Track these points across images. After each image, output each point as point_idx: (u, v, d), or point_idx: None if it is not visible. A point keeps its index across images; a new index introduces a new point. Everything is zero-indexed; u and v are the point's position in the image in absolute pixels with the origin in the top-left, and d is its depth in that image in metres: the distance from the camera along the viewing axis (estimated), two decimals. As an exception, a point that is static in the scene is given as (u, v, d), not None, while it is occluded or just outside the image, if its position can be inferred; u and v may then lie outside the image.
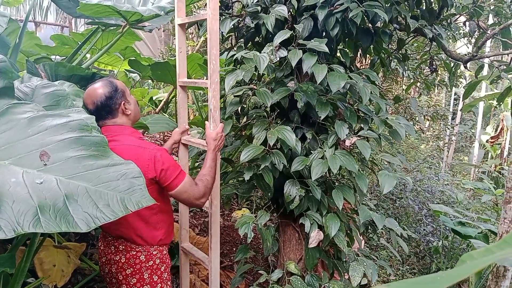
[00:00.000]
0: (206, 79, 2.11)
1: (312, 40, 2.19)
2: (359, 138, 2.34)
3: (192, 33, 7.15)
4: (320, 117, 2.23)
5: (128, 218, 1.89)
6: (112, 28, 3.09)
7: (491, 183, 7.59)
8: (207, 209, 2.23)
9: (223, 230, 4.00)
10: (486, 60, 3.55)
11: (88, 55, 3.73)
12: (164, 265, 2.03)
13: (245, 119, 2.66)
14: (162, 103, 4.81)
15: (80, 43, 3.07)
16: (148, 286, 1.95)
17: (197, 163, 3.98)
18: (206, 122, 2.14)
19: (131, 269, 1.93)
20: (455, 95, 14.11)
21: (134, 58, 3.70)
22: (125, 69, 4.21)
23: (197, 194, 1.91)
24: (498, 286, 4.60)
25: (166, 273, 2.04)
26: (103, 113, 1.89)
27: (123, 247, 1.94)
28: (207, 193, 1.97)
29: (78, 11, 2.53)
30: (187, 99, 2.41)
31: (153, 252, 1.97)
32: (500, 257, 0.49)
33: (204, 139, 2.17)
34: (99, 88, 1.88)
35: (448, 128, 9.76)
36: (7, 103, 1.21)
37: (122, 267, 1.93)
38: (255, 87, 2.33)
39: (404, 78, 6.87)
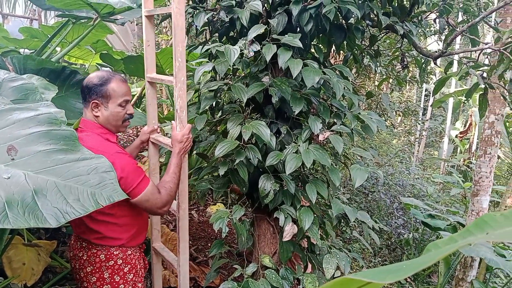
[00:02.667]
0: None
1: (286, 35, 2.20)
2: (332, 132, 2.37)
3: (166, 26, 7.06)
4: (295, 112, 2.25)
5: (87, 223, 1.85)
6: (83, 20, 3.02)
7: (459, 177, 7.82)
8: (175, 213, 2.19)
9: (198, 225, 3.99)
10: (456, 57, 3.65)
11: (58, 49, 3.65)
12: (129, 266, 1.95)
13: (219, 114, 2.65)
14: (135, 97, 4.73)
15: (50, 36, 2.99)
16: (109, 286, 1.90)
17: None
18: (172, 122, 2.05)
19: (91, 267, 1.90)
20: (425, 91, 14.45)
21: (106, 51, 3.63)
22: (96, 63, 4.13)
23: (159, 203, 1.86)
24: (466, 275, 4.77)
25: (132, 275, 1.97)
26: (82, 95, 1.88)
27: (86, 244, 1.91)
28: (170, 201, 1.92)
29: (48, 3, 2.46)
30: (156, 96, 2.35)
31: (114, 252, 1.91)
32: (463, 245, 0.51)
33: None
34: (94, 75, 1.88)
35: (419, 124, 10.00)
36: (-29, 96, 1.17)
37: (83, 264, 1.91)
38: (230, 81, 2.33)
39: (377, 74, 6.98)
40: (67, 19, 2.95)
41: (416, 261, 0.50)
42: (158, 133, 2.32)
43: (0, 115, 1.04)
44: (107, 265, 1.90)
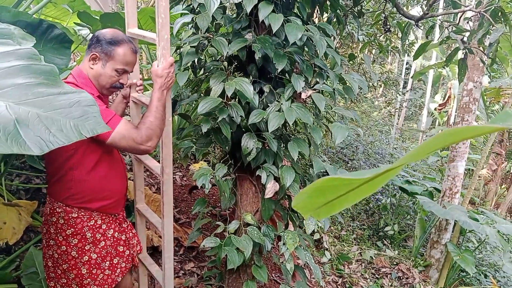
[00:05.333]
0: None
1: (269, -10, 2.17)
2: (314, 91, 2.38)
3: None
4: (277, 70, 2.24)
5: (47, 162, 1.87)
6: (59, -25, 2.91)
7: (437, 147, 8.00)
8: (158, 177, 2.13)
9: (181, 189, 4.01)
10: (438, 23, 3.67)
11: (32, 6, 3.51)
12: (72, 229, 1.82)
13: (202, 72, 2.63)
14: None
15: (24, -9, 2.88)
16: (54, 241, 1.85)
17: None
18: (154, 62, 1.91)
19: (43, 218, 1.91)
20: (406, 64, 14.53)
21: (83, 10, 3.52)
22: (74, 23, 4.00)
23: (139, 138, 1.72)
24: (440, 238, 4.95)
25: (77, 241, 1.84)
26: (89, 43, 1.83)
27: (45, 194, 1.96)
28: (154, 136, 1.77)
29: (21, -47, 2.36)
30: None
31: (57, 209, 1.82)
32: (426, 145, 0.52)
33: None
34: (110, 32, 1.84)
35: (399, 94, 10.12)
36: None
37: (42, 214, 1.99)
38: (211, 35, 2.30)
39: (359, 44, 6.98)
40: (42, -26, 2.84)
41: (389, 166, 0.53)
42: (137, 89, 2.23)
43: (-23, 51, 1.02)
44: (51, 220, 1.84)
